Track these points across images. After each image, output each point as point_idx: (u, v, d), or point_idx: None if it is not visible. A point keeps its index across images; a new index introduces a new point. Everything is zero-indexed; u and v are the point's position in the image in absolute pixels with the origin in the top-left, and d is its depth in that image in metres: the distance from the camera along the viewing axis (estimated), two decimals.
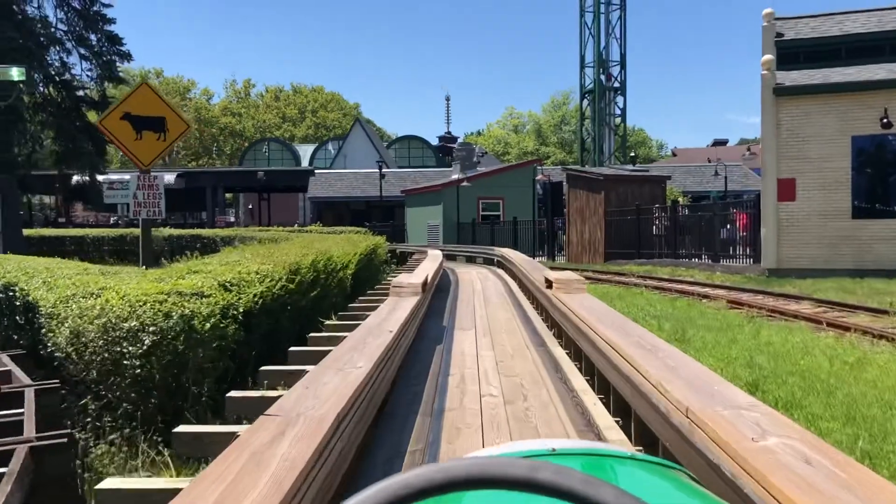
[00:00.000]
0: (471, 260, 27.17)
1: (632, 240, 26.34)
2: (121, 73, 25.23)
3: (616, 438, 3.99)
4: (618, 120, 41.55)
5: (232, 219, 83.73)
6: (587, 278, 22.02)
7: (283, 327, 7.64)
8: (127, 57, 24.93)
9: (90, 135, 23.86)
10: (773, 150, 19.85)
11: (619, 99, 41.04)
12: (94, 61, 24.34)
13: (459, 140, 53.03)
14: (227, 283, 6.67)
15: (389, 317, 5.98)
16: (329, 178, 54.62)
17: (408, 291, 7.61)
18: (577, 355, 6.30)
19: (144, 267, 10.41)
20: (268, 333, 7.13)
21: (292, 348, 6.45)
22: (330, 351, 4.50)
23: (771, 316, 12.67)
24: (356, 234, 23.24)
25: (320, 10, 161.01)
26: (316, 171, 54.92)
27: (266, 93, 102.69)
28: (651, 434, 3.41)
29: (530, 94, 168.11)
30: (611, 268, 25.18)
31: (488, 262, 24.41)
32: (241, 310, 6.32)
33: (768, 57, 20.21)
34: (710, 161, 51.70)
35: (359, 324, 6.17)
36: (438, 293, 12.61)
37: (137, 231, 32.99)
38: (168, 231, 29.86)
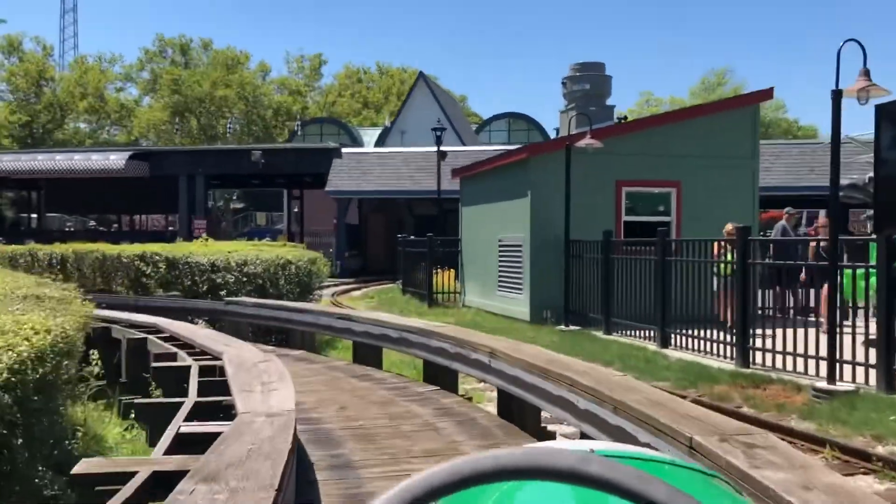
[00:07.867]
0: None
1: None
2: None
3: None
4: None
5: (282, 226, 64.17)
6: None
7: None
8: None
9: None
10: None
11: None
12: None
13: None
14: None
15: None
16: (364, 163, 33.15)
17: None
18: None
19: None
20: None
21: None
22: None
23: None
24: None
25: None
26: (343, 152, 33.92)
27: (343, 72, 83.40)
28: None
29: (669, 78, 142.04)
30: None
31: None
32: None
33: None
34: None
35: None
36: None
37: None
38: None
